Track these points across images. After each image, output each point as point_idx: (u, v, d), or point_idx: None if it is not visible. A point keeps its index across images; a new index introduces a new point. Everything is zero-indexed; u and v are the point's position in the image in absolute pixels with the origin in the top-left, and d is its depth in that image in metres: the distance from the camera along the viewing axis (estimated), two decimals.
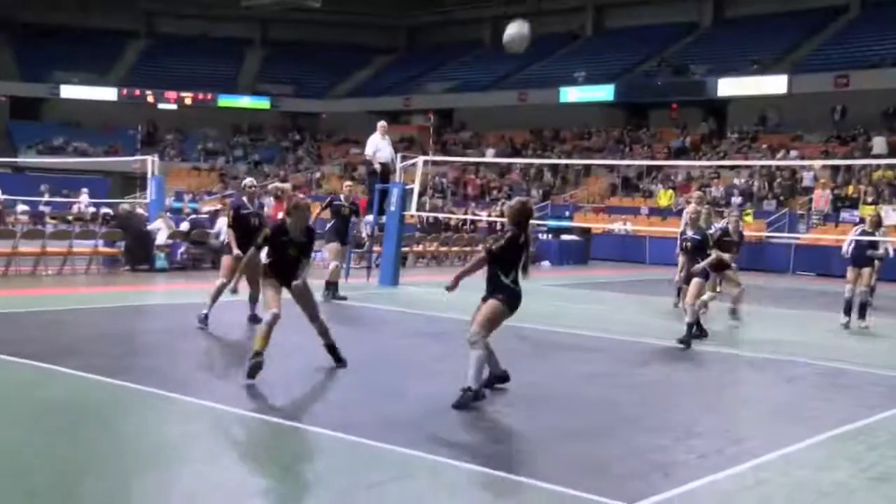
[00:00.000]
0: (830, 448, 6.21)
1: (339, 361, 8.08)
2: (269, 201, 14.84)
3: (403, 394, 7.37)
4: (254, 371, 7.26)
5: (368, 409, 6.81)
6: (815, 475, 5.54)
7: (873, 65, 33.25)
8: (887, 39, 34.70)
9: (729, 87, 35.95)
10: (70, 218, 28.16)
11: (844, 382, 8.79)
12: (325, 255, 14.70)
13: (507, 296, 7.04)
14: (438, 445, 5.78)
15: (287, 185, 18.66)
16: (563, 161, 34.58)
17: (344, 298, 13.48)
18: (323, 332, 8.08)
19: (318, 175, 42.46)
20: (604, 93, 39.35)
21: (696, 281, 10.59)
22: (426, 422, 6.39)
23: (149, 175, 21.09)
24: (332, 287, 13.59)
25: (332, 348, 8.12)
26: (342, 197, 14.31)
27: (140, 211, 18.77)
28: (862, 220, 21.00)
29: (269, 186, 19.30)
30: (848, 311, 13.16)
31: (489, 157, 38.30)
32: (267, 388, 7.29)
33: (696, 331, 10.72)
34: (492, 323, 7.06)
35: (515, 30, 10.52)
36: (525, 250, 7.10)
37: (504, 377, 7.41)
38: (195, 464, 5.33)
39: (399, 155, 18.01)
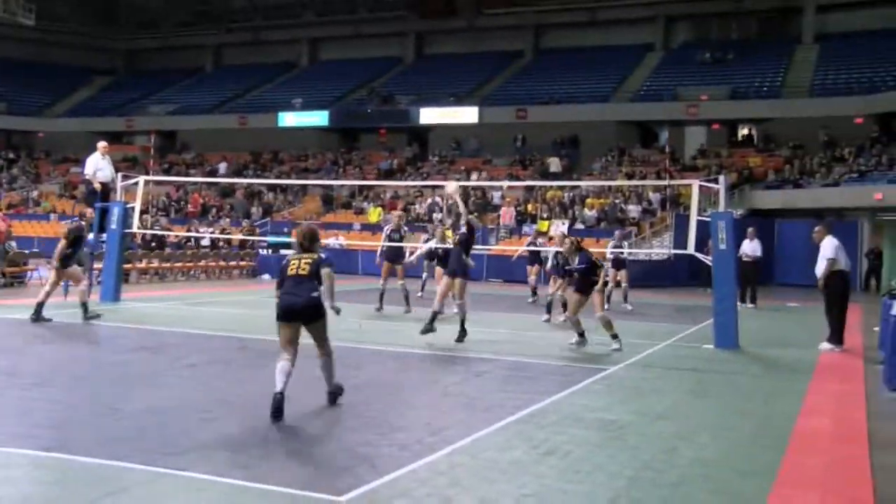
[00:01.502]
0: (510, 431, 6.62)
1: None
2: None
3: (121, 409, 6.93)
4: None
5: (84, 426, 6.34)
6: (498, 455, 5.89)
7: (545, 102, 36.24)
8: (554, 81, 38.05)
9: (430, 115, 37.57)
10: None
11: (525, 374, 9.41)
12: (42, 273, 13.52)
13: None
14: (156, 457, 5.49)
15: None
16: (283, 181, 34.40)
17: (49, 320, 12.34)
18: None
19: (35, 193, 38.99)
20: (319, 118, 39.68)
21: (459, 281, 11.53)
22: (144, 435, 6.06)
23: None
24: (39, 307, 12.32)
25: None
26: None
27: None
28: (541, 233, 22.76)
29: None
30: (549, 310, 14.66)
31: (222, 171, 37.35)
32: None
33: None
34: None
35: None
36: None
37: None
38: None
39: (120, 174, 17.00)
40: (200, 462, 5.48)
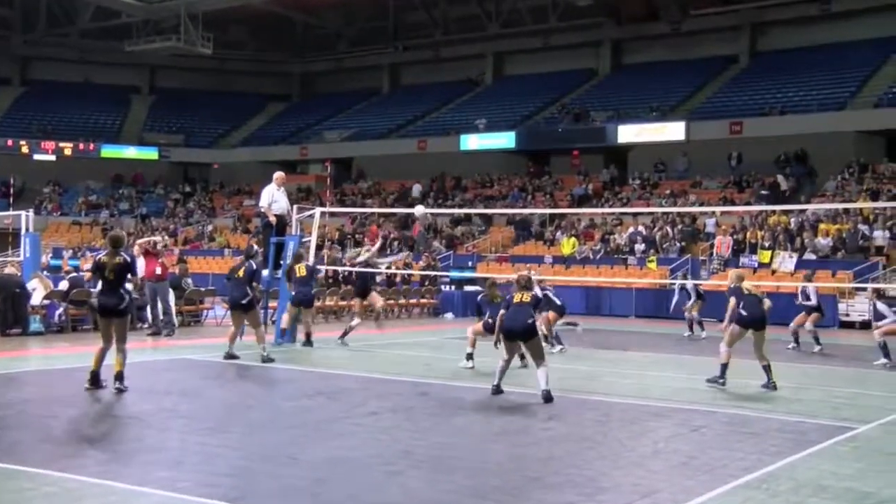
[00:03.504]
0: (737, 497, 6.33)
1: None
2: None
3: (300, 458, 7.23)
4: None
5: (264, 476, 6.66)
6: None
7: (765, 113, 34.92)
8: (775, 89, 36.57)
9: (629, 133, 37.07)
10: None
11: (747, 429, 9.00)
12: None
13: None
14: None
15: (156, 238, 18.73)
16: (466, 210, 34.97)
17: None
18: None
19: (210, 228, 41.81)
20: (505, 140, 40.08)
21: None
22: (326, 487, 6.28)
23: (23, 231, 20.38)
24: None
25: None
26: None
27: (12, 270, 18.01)
28: (762, 265, 21.86)
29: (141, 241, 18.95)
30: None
31: (416, 194, 38.61)
32: (149, 458, 7.06)
33: None
34: None
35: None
36: None
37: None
38: None
39: (295, 206, 17.90)
40: None
